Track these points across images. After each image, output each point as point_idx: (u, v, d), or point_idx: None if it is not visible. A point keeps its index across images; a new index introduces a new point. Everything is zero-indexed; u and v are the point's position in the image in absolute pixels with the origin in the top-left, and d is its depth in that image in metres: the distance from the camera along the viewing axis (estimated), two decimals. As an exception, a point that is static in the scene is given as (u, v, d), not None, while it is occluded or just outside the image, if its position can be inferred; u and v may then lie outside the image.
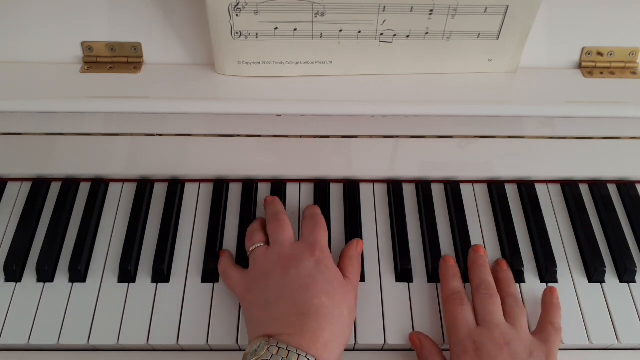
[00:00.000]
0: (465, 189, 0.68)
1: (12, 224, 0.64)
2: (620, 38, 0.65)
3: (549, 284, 0.60)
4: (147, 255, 0.61)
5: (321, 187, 0.67)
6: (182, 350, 0.57)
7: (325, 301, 0.51)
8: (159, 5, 0.60)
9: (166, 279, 0.60)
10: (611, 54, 0.65)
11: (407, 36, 0.60)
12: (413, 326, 0.57)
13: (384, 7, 0.57)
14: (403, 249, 0.62)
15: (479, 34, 0.60)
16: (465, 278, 0.60)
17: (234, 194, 0.67)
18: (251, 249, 0.57)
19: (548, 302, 0.58)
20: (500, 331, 0.52)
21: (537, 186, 0.68)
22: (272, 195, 0.65)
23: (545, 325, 0.55)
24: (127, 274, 0.59)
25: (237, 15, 0.57)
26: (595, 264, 0.61)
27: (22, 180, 0.67)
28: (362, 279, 0.60)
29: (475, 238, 0.64)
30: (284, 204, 0.66)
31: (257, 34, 0.59)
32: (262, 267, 0.55)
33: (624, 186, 0.68)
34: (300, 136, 0.65)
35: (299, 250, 0.55)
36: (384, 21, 0.58)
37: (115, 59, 0.63)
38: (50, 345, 0.56)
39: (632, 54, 0.65)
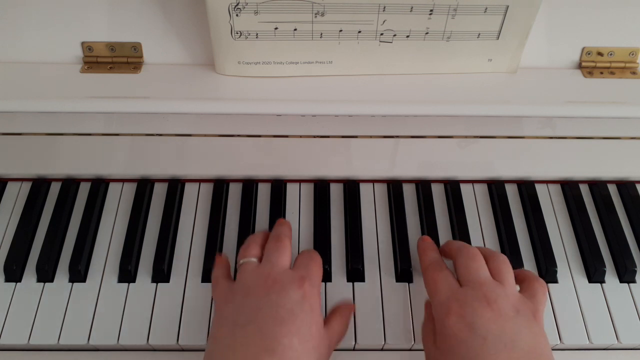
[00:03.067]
0: (465, 189, 0.68)
1: (12, 224, 0.64)
2: (620, 38, 0.65)
3: (549, 284, 0.60)
4: (147, 255, 0.62)
5: (321, 187, 0.67)
6: (182, 350, 0.57)
7: (296, 344, 0.46)
8: (158, 5, 0.60)
9: (166, 279, 0.60)
10: (611, 54, 0.65)
11: (407, 36, 0.60)
12: (413, 326, 0.57)
13: (384, 7, 0.57)
14: (403, 249, 0.62)
15: (479, 34, 0.60)
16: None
17: (234, 194, 0.67)
18: (242, 261, 0.53)
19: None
20: (486, 288, 0.49)
21: (537, 186, 0.68)
22: (283, 218, 0.61)
23: (531, 282, 0.53)
24: (127, 274, 0.59)
25: (237, 15, 0.57)
26: (595, 264, 0.61)
27: (22, 180, 0.67)
28: (362, 279, 0.60)
29: (475, 238, 0.64)
30: (284, 204, 0.66)
31: (257, 34, 0.59)
32: (246, 282, 0.51)
33: (624, 186, 0.68)
34: (300, 136, 0.65)
35: (288, 277, 0.50)
36: (384, 21, 0.58)
37: (115, 59, 0.63)
38: (50, 345, 0.56)
39: (632, 54, 0.65)
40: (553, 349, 0.57)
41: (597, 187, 0.68)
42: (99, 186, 0.66)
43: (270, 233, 0.57)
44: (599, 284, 0.61)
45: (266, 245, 0.55)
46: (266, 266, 0.52)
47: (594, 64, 0.65)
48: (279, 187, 0.67)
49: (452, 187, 0.67)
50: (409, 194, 0.68)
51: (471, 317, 0.47)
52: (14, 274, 0.59)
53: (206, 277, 0.60)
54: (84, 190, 0.67)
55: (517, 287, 0.53)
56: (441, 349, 0.48)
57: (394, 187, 0.67)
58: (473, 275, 0.51)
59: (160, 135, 0.64)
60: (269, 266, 0.52)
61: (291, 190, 0.68)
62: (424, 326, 0.53)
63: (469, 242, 0.63)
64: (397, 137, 0.65)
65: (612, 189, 0.69)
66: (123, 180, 0.67)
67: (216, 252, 0.61)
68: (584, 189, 0.68)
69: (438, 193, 0.68)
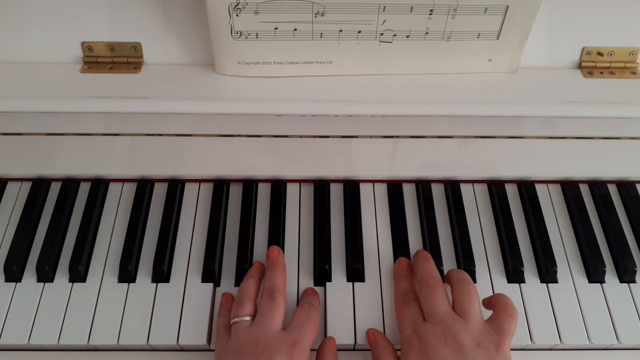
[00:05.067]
0: (465, 189, 0.68)
1: (12, 224, 0.64)
2: (620, 38, 0.65)
3: (549, 284, 0.60)
4: (147, 255, 0.62)
5: (321, 187, 0.67)
6: (182, 350, 0.57)
7: None
8: (159, 5, 0.60)
9: (166, 279, 0.60)
10: (611, 54, 0.65)
11: (407, 36, 0.60)
12: (413, 326, 0.57)
13: (384, 7, 0.57)
14: (403, 249, 0.62)
15: (479, 34, 0.60)
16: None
17: (234, 194, 0.67)
18: (235, 320, 0.53)
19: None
20: (444, 324, 0.51)
21: (537, 186, 0.68)
22: (276, 247, 0.60)
23: (500, 312, 0.53)
24: (127, 274, 0.59)
25: (237, 15, 0.57)
26: (595, 264, 0.61)
27: (22, 180, 0.67)
28: (362, 279, 0.60)
29: (475, 238, 0.64)
30: (284, 204, 0.66)
31: (257, 34, 0.59)
32: (238, 344, 0.51)
33: (624, 186, 0.68)
34: (300, 136, 0.65)
35: (278, 343, 0.50)
36: (384, 21, 0.58)
37: (115, 59, 0.63)
38: (50, 345, 0.56)
39: (632, 54, 0.65)
40: (553, 349, 0.58)
41: (597, 187, 0.68)
42: (99, 186, 0.66)
43: (264, 283, 0.57)
44: (599, 284, 0.61)
45: (260, 301, 0.55)
46: (258, 328, 0.52)
47: (594, 64, 0.65)
48: (279, 187, 0.67)
49: (452, 187, 0.67)
50: (409, 194, 0.68)
51: (429, 354, 0.50)
52: (14, 274, 0.59)
53: (206, 277, 0.60)
54: (84, 190, 0.67)
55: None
56: None
57: (394, 187, 0.67)
58: (433, 311, 0.53)
59: (160, 135, 0.64)
60: (261, 329, 0.52)
61: (291, 190, 0.68)
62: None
63: (469, 242, 0.63)
64: (397, 137, 0.65)
65: (612, 189, 0.69)
66: (123, 180, 0.67)
67: (216, 252, 0.61)
68: (584, 189, 0.68)
69: (438, 193, 0.68)
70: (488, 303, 0.56)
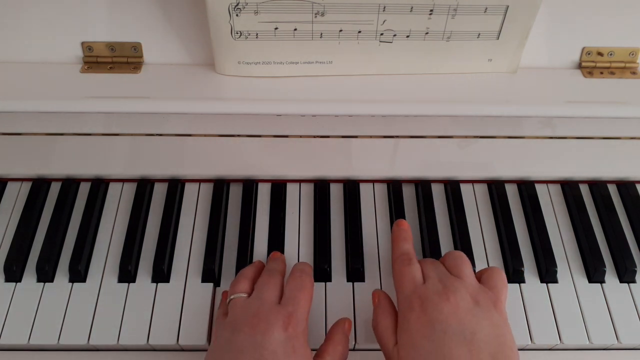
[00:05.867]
0: (465, 189, 0.68)
1: (12, 224, 0.64)
2: (620, 38, 0.65)
3: (549, 284, 0.60)
4: (147, 255, 0.62)
5: (321, 187, 0.67)
6: (182, 350, 0.57)
7: None
8: (159, 5, 0.60)
9: (166, 279, 0.60)
10: (611, 54, 0.65)
11: (407, 36, 0.60)
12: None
13: (384, 7, 0.57)
14: (403, 249, 0.62)
15: (479, 34, 0.60)
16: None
17: (234, 194, 0.67)
18: (231, 297, 0.53)
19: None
20: (444, 283, 0.51)
21: (537, 186, 0.68)
22: (279, 252, 0.61)
23: (491, 273, 0.54)
24: (127, 274, 0.59)
25: (237, 15, 0.57)
26: (595, 264, 0.61)
27: (22, 180, 0.67)
28: (362, 279, 0.60)
29: (475, 238, 0.64)
30: (284, 204, 0.66)
31: (257, 34, 0.59)
32: (235, 318, 0.51)
33: (624, 186, 0.68)
34: (300, 136, 0.65)
35: (274, 315, 0.50)
36: (384, 21, 0.58)
37: (115, 59, 0.63)
38: (50, 345, 0.56)
39: (632, 54, 0.65)
40: (553, 349, 0.58)
41: (597, 187, 0.68)
42: (99, 186, 0.66)
43: (265, 267, 0.58)
44: (599, 284, 0.61)
45: (258, 279, 0.55)
46: (255, 302, 0.52)
47: (594, 64, 0.65)
48: (279, 187, 0.67)
49: (452, 187, 0.67)
50: (409, 194, 0.68)
51: (431, 313, 0.49)
52: (14, 274, 0.59)
53: (206, 277, 0.60)
54: (84, 190, 0.67)
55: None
56: (404, 345, 0.49)
57: (394, 187, 0.67)
58: (433, 272, 0.53)
59: (160, 135, 0.64)
60: (258, 302, 0.52)
61: (291, 190, 0.68)
62: (380, 324, 0.53)
63: (469, 242, 0.63)
64: (397, 137, 0.65)
65: (612, 189, 0.69)
66: (123, 180, 0.68)
67: (216, 252, 0.61)
68: (584, 189, 0.68)
69: (438, 193, 0.68)
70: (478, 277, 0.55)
